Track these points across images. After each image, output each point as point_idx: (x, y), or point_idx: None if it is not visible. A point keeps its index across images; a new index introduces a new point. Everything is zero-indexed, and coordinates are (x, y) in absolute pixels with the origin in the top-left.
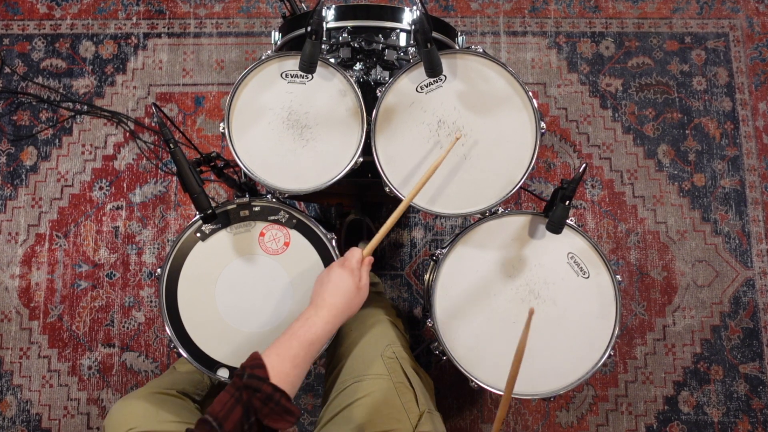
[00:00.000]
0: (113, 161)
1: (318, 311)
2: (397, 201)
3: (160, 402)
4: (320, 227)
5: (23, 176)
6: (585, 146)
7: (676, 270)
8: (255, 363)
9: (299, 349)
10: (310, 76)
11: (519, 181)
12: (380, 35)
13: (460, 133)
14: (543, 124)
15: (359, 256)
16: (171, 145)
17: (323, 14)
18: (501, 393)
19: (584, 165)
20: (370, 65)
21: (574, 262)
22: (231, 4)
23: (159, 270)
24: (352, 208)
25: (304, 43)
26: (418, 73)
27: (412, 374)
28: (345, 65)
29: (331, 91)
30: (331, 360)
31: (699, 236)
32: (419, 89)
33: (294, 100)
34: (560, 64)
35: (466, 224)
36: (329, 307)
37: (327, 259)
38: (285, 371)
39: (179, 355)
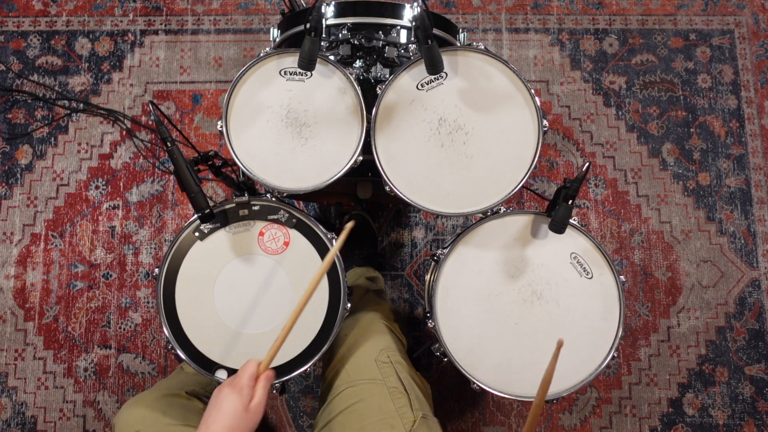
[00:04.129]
0: (110, 160)
1: None
2: (398, 200)
3: (168, 405)
4: (320, 227)
5: (18, 175)
6: (588, 145)
7: (681, 270)
8: None
9: None
10: (309, 73)
11: (521, 180)
12: (380, 32)
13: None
14: (545, 122)
15: (253, 370)
16: (168, 143)
17: (322, 11)
18: (502, 395)
19: (587, 164)
20: (370, 62)
21: (577, 262)
22: (229, 0)
23: (156, 270)
24: (352, 207)
25: (303, 40)
26: (419, 71)
27: (406, 379)
28: (344, 62)
29: (330, 88)
30: (327, 364)
31: (704, 236)
32: (420, 87)
33: (293, 97)
34: (563, 62)
35: (467, 224)
36: None
37: None
38: None
39: (177, 356)
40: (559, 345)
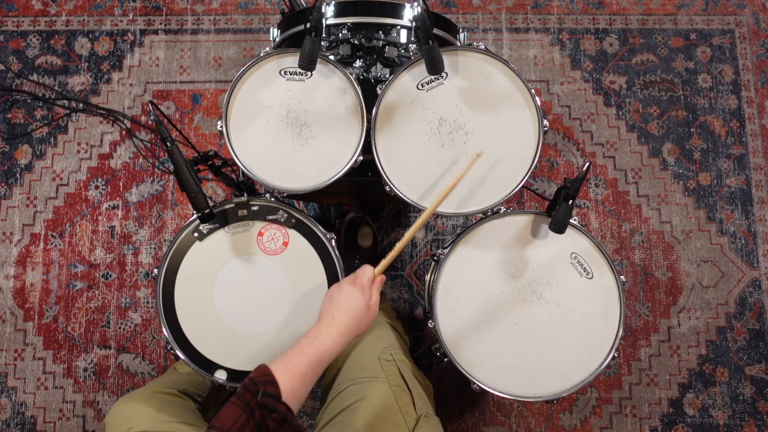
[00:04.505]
0: (109, 160)
1: (328, 329)
2: (398, 200)
3: (161, 402)
4: (320, 227)
5: (18, 175)
6: (588, 144)
7: (681, 270)
8: (267, 379)
9: (308, 368)
10: (309, 73)
11: (521, 180)
12: (380, 32)
13: (482, 151)
14: (546, 122)
15: (371, 274)
16: (168, 143)
17: (323, 11)
18: (502, 395)
19: (588, 164)
20: (371, 62)
21: (578, 262)
22: (229, 0)
23: (156, 270)
24: (352, 207)
25: (303, 40)
26: (419, 71)
27: (409, 377)
28: (345, 62)
29: (330, 88)
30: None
31: (704, 236)
32: (420, 87)
33: (293, 97)
34: (563, 61)
35: (467, 224)
36: (338, 325)
37: (326, 259)
38: (294, 389)
39: (176, 356)
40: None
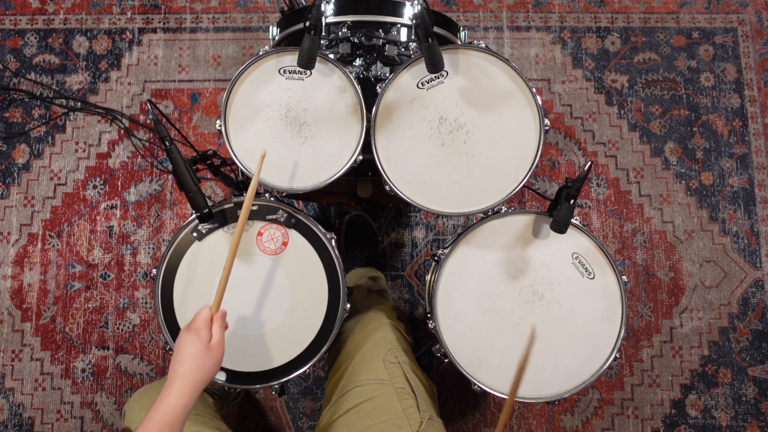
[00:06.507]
0: (107, 159)
1: (171, 386)
2: (398, 200)
3: None
4: (319, 227)
5: (15, 174)
6: (590, 144)
7: (684, 270)
8: None
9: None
10: (308, 72)
11: (522, 180)
12: (380, 30)
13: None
14: (547, 121)
15: (206, 314)
16: (166, 142)
17: (322, 9)
18: (504, 396)
19: (589, 163)
20: (370, 61)
21: (579, 262)
22: None
23: (154, 270)
24: (352, 206)
25: (302, 38)
26: (419, 69)
27: (414, 380)
28: (344, 61)
29: (330, 87)
30: (332, 364)
31: (707, 236)
32: (420, 85)
33: (292, 96)
34: (565, 60)
35: (468, 224)
36: (180, 378)
37: (326, 259)
38: None
39: None
40: (533, 333)
